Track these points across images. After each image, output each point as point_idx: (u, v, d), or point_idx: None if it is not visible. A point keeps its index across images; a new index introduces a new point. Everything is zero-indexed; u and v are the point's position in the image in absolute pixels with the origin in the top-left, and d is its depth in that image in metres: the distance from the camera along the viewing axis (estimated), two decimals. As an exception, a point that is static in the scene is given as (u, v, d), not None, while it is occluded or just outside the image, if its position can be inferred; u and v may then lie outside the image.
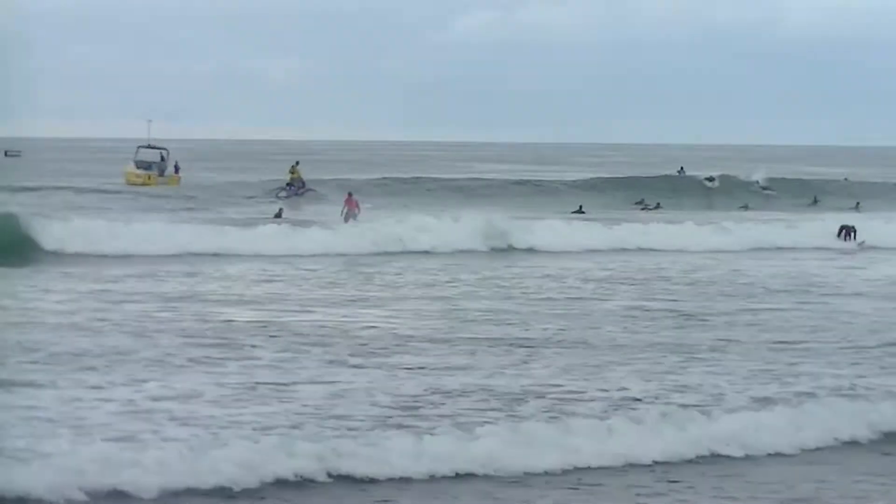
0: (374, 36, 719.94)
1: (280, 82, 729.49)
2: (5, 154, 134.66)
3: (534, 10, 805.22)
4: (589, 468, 14.61)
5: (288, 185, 70.94)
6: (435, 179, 75.17)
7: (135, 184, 75.18)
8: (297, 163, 73.03)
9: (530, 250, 39.85)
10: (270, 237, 39.32)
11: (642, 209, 65.40)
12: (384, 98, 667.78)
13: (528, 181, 76.13)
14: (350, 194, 47.44)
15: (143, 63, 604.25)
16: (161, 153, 77.54)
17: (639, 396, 17.42)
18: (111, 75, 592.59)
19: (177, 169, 77.16)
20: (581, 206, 60.82)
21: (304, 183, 70.62)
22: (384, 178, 74.23)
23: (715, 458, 15.23)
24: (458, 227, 41.15)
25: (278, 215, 51.25)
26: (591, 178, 77.28)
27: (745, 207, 67.75)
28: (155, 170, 76.10)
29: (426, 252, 38.51)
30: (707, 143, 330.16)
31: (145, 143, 78.87)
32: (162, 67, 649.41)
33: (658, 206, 65.61)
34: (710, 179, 77.06)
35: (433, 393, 17.39)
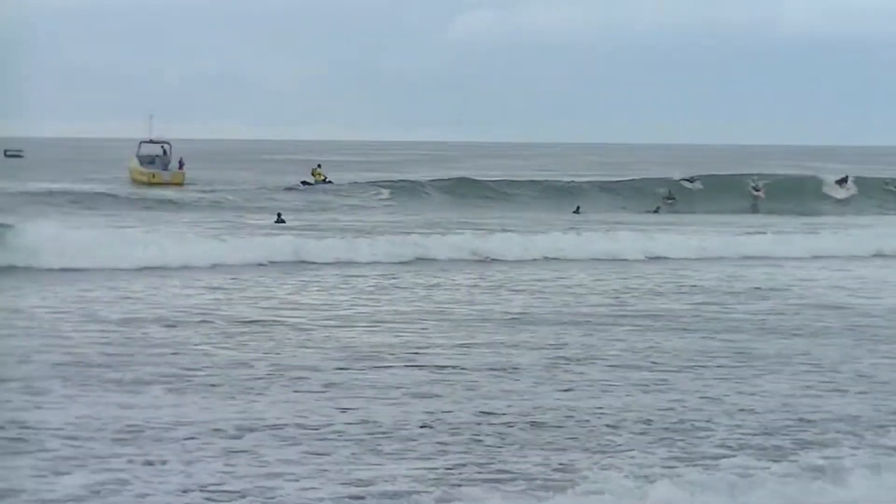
0: (374, 35, 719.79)
1: (279, 82, 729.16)
2: (5, 154, 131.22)
3: (534, 9, 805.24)
4: None
5: (304, 183, 70.26)
6: (450, 181, 73.47)
7: (139, 181, 75.24)
8: (319, 165, 72.64)
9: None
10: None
11: (666, 198, 64.28)
12: (384, 98, 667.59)
13: (550, 181, 74.27)
14: None
15: (144, 63, 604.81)
16: (163, 147, 77.57)
17: None
18: (111, 75, 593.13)
19: (181, 165, 76.81)
20: (578, 207, 60.11)
21: (331, 182, 70.66)
22: (399, 182, 72.21)
23: None
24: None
25: (279, 220, 48.38)
26: (622, 180, 74.75)
27: (668, 201, 64.07)
28: (158, 164, 76.11)
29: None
30: (707, 144, 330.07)
31: (147, 139, 78.78)
32: (162, 67, 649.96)
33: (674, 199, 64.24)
34: (757, 184, 71.60)
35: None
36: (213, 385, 15.90)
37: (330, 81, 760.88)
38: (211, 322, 21.31)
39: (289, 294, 25.88)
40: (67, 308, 22.85)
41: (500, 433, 13.66)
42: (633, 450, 12.93)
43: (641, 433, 13.73)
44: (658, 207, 63.09)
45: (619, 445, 13.18)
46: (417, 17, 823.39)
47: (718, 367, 17.91)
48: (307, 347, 18.97)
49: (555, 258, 35.21)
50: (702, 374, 17.30)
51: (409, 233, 39.42)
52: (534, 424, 14.10)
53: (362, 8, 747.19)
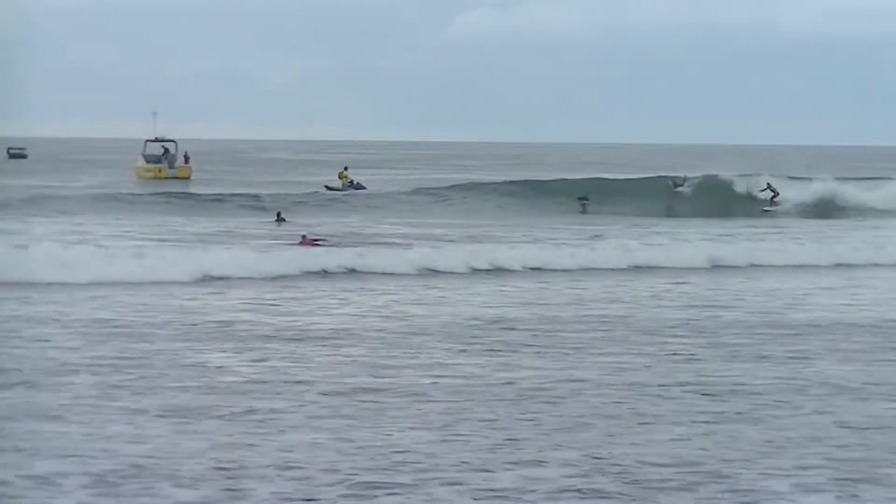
0: (374, 35, 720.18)
1: (279, 82, 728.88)
2: (9, 154, 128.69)
3: (534, 9, 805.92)
4: None
5: (328, 188, 68.48)
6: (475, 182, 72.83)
7: (145, 178, 75.38)
8: (346, 168, 71.34)
9: None
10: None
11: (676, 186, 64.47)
12: (384, 97, 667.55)
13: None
14: (304, 236, 39.30)
15: (144, 63, 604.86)
16: (164, 146, 77.95)
17: None
18: (111, 75, 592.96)
19: (186, 159, 77.01)
20: (584, 205, 59.63)
21: (360, 184, 68.71)
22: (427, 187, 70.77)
23: None
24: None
25: (279, 219, 47.46)
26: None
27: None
28: (164, 162, 76.43)
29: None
30: (706, 144, 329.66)
31: (152, 138, 78.99)
32: (162, 67, 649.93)
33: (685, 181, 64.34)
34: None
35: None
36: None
37: (330, 81, 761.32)
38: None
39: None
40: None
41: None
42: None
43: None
44: (683, 180, 63.73)
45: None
46: (417, 16, 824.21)
47: None
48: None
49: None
50: None
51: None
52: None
53: (362, 7, 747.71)
